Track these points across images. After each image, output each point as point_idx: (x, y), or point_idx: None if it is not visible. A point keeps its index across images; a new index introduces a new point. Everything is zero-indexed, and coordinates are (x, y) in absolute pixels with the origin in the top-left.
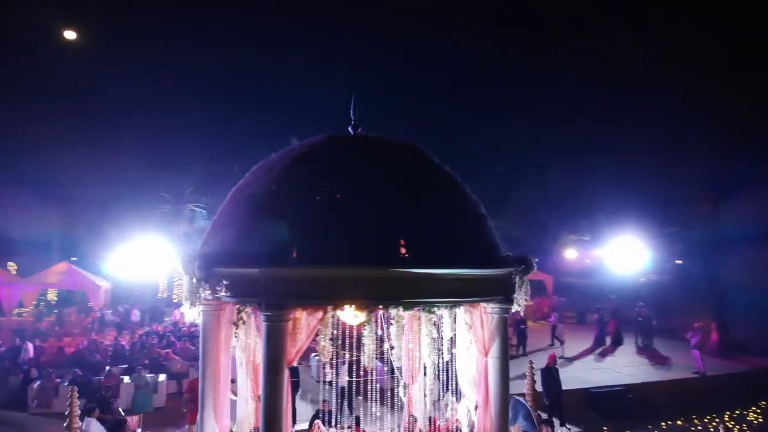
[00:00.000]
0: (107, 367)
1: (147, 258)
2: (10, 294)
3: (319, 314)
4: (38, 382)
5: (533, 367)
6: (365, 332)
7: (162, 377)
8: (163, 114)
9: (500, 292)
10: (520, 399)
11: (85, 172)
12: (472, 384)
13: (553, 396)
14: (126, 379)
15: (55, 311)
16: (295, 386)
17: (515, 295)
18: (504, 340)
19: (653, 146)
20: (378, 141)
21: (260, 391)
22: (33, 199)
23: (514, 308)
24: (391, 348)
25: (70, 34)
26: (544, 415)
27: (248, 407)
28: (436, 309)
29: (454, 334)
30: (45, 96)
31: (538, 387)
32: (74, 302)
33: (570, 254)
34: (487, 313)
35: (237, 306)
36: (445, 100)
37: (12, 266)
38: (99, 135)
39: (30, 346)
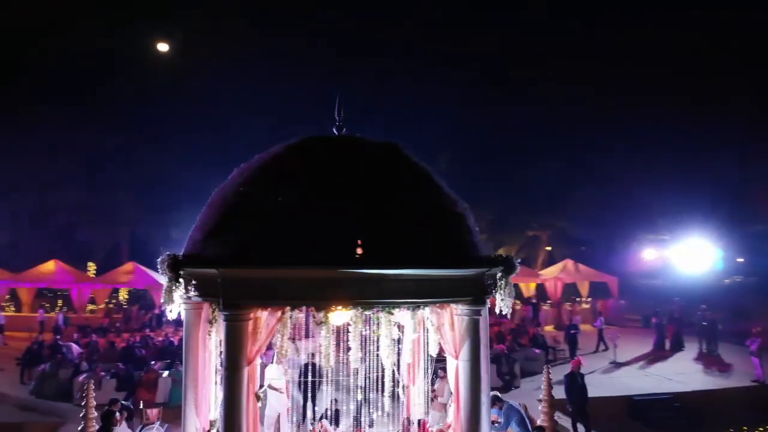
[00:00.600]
0: (152, 362)
1: None
2: (81, 292)
3: (278, 314)
4: (84, 375)
5: (550, 373)
6: (322, 333)
7: None
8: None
9: (469, 293)
10: (514, 404)
11: (158, 177)
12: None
13: (576, 402)
14: (165, 373)
15: (125, 308)
16: (316, 385)
17: (495, 296)
18: (475, 343)
19: (726, 142)
20: (355, 141)
21: (223, 391)
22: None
23: (504, 310)
24: (348, 349)
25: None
26: (539, 422)
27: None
28: (397, 310)
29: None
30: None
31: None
32: (139, 300)
33: (639, 254)
34: (456, 314)
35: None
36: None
37: (91, 266)
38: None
39: (73, 343)
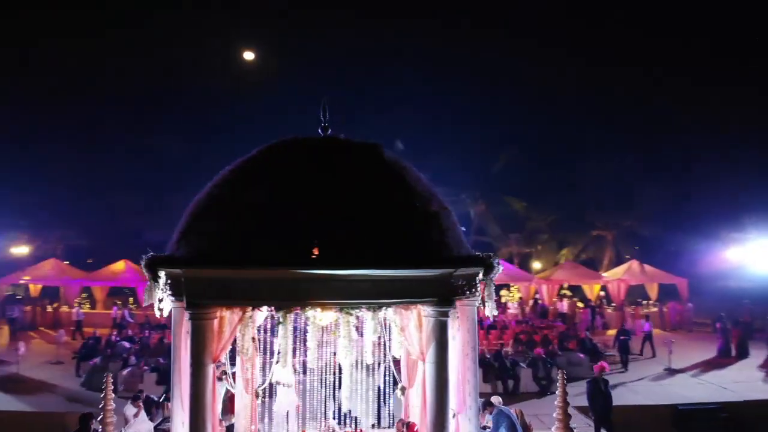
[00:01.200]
0: None
1: None
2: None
3: (240, 313)
4: (128, 369)
5: (565, 378)
6: (280, 332)
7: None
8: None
9: (433, 294)
10: (505, 410)
11: None
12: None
13: (599, 410)
14: None
15: None
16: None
17: (465, 297)
18: (441, 345)
19: None
20: (333, 143)
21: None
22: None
23: (490, 312)
24: (306, 351)
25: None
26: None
27: (243, 400)
28: (357, 310)
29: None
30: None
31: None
32: None
33: (712, 254)
34: (423, 316)
35: None
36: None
37: None
38: None
39: (126, 339)
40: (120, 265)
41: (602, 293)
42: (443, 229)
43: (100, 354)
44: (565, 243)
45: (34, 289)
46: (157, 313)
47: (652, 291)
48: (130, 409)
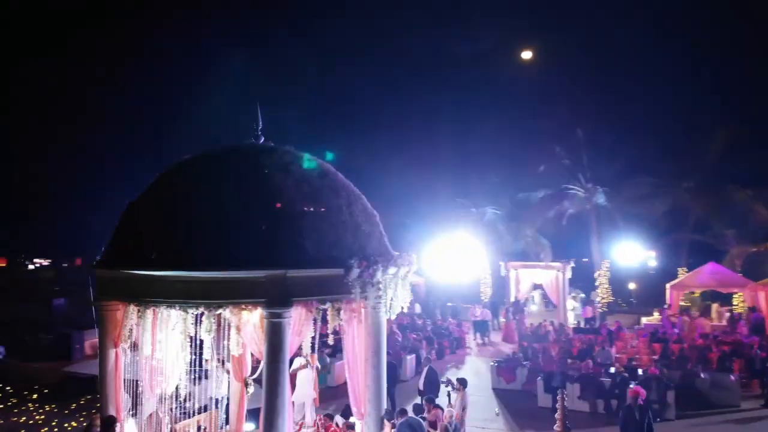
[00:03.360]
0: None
1: (458, 256)
2: None
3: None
4: None
5: (565, 399)
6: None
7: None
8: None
9: (262, 295)
10: (413, 422)
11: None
12: None
13: None
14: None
15: None
16: (391, 381)
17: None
18: (274, 346)
19: None
20: (247, 149)
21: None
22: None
23: (386, 315)
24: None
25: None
26: None
27: (234, 386)
28: (193, 309)
29: None
30: None
31: None
32: None
33: None
34: (263, 317)
35: None
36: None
37: None
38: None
39: None
40: None
41: None
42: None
43: None
44: None
45: None
46: None
47: None
48: None
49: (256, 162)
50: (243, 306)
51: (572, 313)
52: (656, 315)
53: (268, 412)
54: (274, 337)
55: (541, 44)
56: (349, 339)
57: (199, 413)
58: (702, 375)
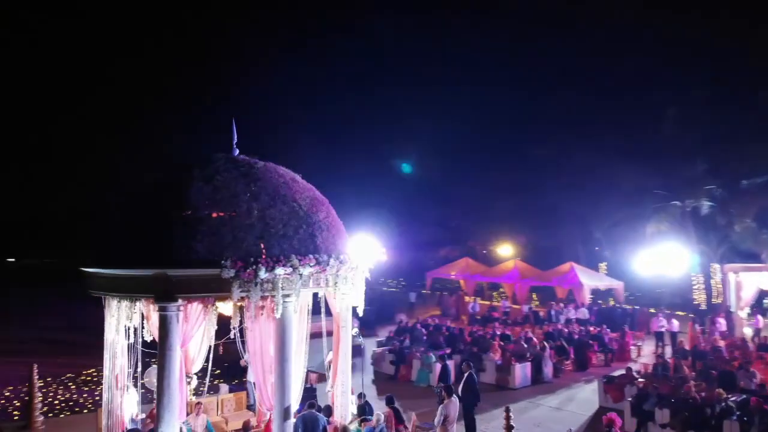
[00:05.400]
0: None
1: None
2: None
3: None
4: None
5: (510, 416)
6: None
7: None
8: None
9: (148, 290)
10: (310, 416)
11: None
12: None
13: None
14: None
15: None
16: (475, 398)
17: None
18: (162, 338)
19: None
20: (194, 163)
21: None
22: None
23: (277, 314)
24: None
25: None
26: None
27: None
28: (116, 300)
29: None
30: None
31: None
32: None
33: None
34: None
35: None
36: None
37: None
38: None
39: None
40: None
41: None
42: (196, 233)
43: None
44: None
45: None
46: None
47: None
48: None
49: (185, 175)
50: (144, 299)
51: None
52: None
53: (159, 395)
54: (162, 328)
55: None
56: (253, 335)
57: None
58: None
